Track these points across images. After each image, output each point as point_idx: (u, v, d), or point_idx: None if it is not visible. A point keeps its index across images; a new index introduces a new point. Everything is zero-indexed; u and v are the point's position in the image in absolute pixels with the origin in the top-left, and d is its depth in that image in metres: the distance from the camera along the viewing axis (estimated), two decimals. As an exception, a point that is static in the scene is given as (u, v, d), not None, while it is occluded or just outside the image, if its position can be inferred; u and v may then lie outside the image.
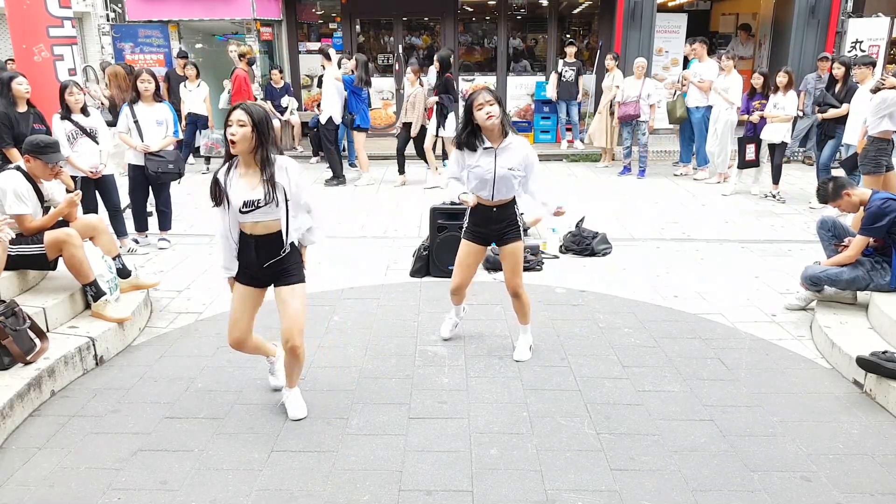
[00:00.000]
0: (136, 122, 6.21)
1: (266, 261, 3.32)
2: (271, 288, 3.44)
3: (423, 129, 9.18)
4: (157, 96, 6.40)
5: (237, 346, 3.51)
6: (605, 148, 10.65)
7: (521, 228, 4.11)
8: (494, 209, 3.97)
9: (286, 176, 3.23)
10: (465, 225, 4.12)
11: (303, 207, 3.37)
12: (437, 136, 9.10)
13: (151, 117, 6.29)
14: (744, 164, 8.55)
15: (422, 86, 9.11)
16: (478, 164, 3.86)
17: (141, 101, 6.28)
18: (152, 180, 6.34)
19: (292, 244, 3.37)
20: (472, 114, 3.78)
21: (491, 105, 3.72)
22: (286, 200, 3.26)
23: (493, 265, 5.87)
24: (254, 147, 3.14)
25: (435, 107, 8.96)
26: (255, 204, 3.19)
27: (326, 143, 9.42)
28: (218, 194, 3.24)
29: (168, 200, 6.64)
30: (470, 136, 3.84)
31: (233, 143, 3.11)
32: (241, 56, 10.17)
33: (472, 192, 3.93)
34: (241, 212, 3.22)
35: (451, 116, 8.92)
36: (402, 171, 9.40)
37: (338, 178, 9.44)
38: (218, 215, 3.35)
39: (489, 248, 4.38)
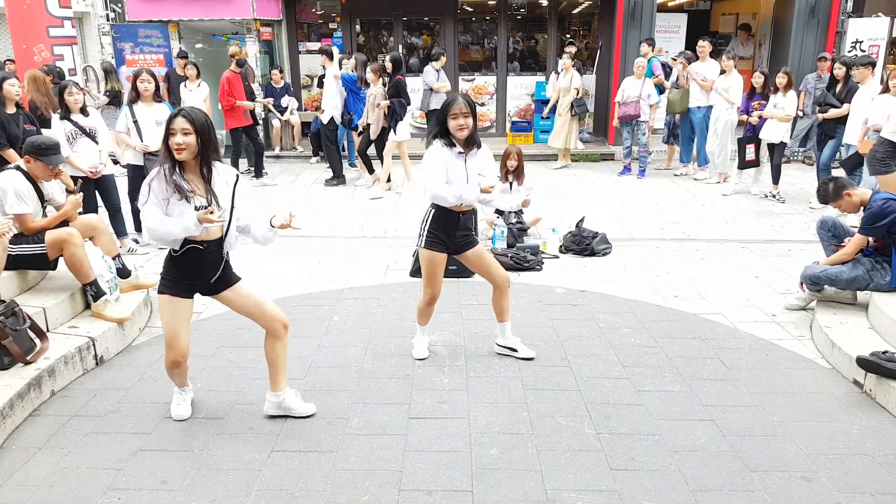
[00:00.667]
0: (135, 121, 6.21)
1: (213, 269, 3.30)
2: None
3: (384, 131, 8.88)
4: (156, 96, 6.40)
5: (179, 361, 3.37)
6: (562, 148, 10.56)
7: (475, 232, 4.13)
8: (460, 215, 3.94)
9: (228, 184, 3.22)
10: (423, 234, 3.98)
11: (245, 216, 3.34)
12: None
13: (151, 117, 6.28)
14: (744, 165, 8.55)
15: (384, 86, 8.84)
16: (451, 169, 3.85)
17: (140, 101, 6.28)
18: None
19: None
20: (446, 118, 3.76)
21: (466, 118, 3.72)
22: (231, 208, 3.24)
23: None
24: (197, 154, 3.10)
25: (387, 110, 8.69)
26: (205, 208, 3.13)
27: (327, 143, 9.42)
28: (181, 190, 3.10)
29: None
30: (443, 136, 3.84)
31: (179, 151, 3.05)
32: (231, 56, 10.11)
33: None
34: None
35: (403, 121, 8.67)
36: (370, 170, 9.25)
37: (338, 177, 9.44)
38: (157, 215, 3.13)
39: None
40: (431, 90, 10.19)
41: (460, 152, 3.84)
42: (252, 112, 9.67)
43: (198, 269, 3.29)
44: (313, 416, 3.61)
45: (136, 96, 6.27)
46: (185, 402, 3.66)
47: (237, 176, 3.33)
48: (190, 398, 3.70)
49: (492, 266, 4.06)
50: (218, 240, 3.28)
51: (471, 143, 3.83)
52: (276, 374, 3.54)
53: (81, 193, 4.85)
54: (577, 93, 10.13)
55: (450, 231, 3.96)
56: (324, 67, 9.54)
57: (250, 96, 9.73)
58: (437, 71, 10.21)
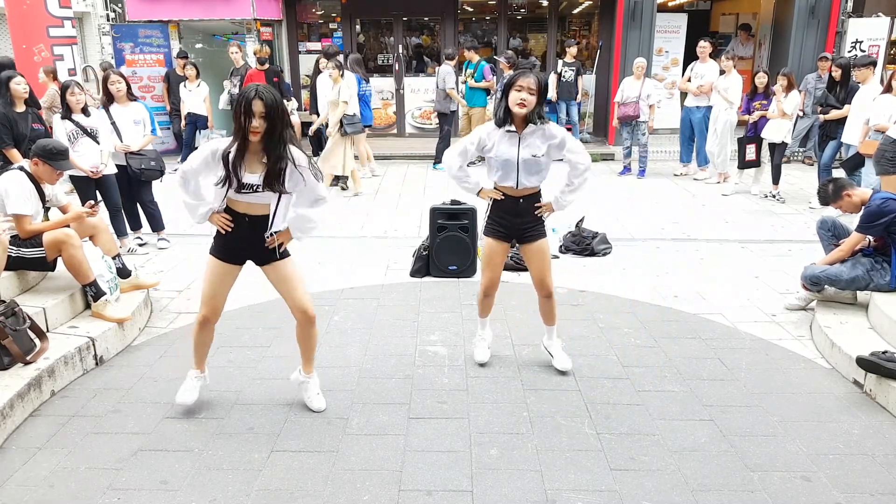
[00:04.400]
0: (113, 123, 6.20)
1: (255, 242, 3.35)
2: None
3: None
4: (130, 96, 6.40)
5: (206, 321, 3.48)
6: (341, 175, 8.73)
7: (544, 224, 3.86)
8: (521, 200, 3.72)
9: (302, 172, 3.22)
10: (486, 220, 3.85)
11: (308, 200, 3.34)
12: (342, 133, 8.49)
13: (128, 117, 6.29)
14: (744, 165, 8.55)
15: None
16: (499, 148, 3.63)
17: (115, 103, 6.28)
18: (135, 178, 6.31)
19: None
20: (510, 88, 3.53)
21: (530, 94, 3.48)
22: (280, 193, 3.24)
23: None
24: (265, 134, 3.11)
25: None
26: (252, 188, 3.21)
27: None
28: (231, 179, 3.17)
29: (153, 200, 6.57)
30: (506, 113, 3.59)
31: (255, 133, 3.08)
32: (255, 54, 10.31)
33: (497, 181, 3.72)
34: (237, 191, 3.23)
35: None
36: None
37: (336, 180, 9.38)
38: (188, 186, 3.29)
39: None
40: (446, 93, 10.15)
41: (510, 131, 3.60)
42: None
43: (239, 237, 3.35)
44: (320, 412, 3.62)
45: (109, 99, 6.26)
46: (194, 389, 3.66)
47: (300, 159, 3.24)
48: (200, 385, 3.71)
49: (538, 269, 3.85)
50: (263, 216, 3.31)
51: (528, 121, 3.57)
52: (305, 358, 3.64)
53: (97, 208, 4.80)
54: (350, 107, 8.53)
55: (511, 216, 3.76)
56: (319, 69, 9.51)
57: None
58: (454, 71, 10.18)
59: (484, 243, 3.93)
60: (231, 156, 3.15)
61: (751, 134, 8.44)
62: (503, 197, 3.75)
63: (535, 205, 3.79)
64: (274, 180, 3.17)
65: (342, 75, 8.53)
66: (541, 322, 4.15)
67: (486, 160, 3.77)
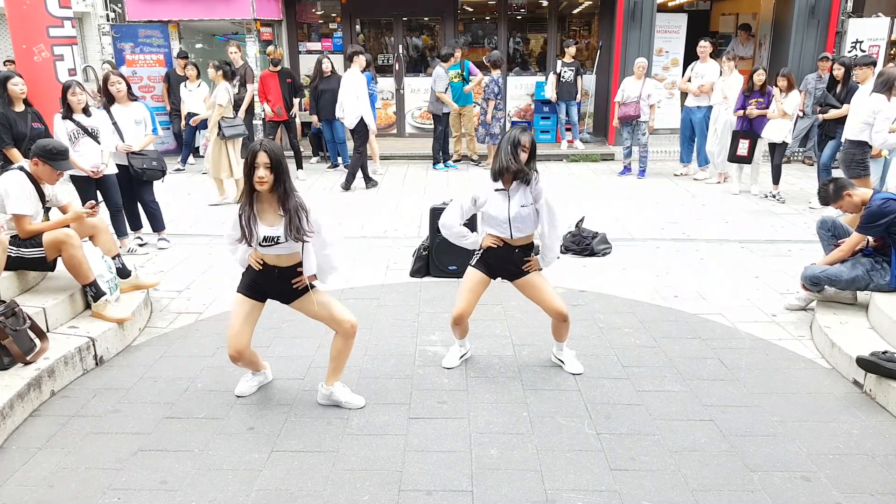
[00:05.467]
0: (114, 123, 6.20)
1: (281, 284, 3.50)
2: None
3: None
4: (130, 95, 6.41)
5: (237, 356, 3.57)
6: (217, 178, 8.23)
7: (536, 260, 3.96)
8: (516, 249, 3.90)
9: (303, 214, 3.34)
10: (477, 256, 3.98)
11: (319, 241, 3.45)
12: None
13: (129, 117, 6.29)
14: (734, 158, 8.53)
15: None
16: (491, 205, 3.81)
17: (116, 103, 6.28)
18: (136, 177, 6.31)
19: None
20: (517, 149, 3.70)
21: (523, 151, 3.71)
22: (304, 241, 3.38)
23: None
24: (273, 185, 3.27)
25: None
26: (275, 240, 3.34)
27: (358, 148, 9.06)
28: (248, 234, 3.35)
29: (154, 200, 6.57)
30: (501, 167, 3.74)
31: (262, 184, 3.25)
32: (268, 55, 10.54)
33: (493, 233, 3.89)
34: (261, 245, 3.38)
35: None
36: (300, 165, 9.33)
37: (368, 180, 9.29)
38: (234, 241, 3.52)
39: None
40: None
41: (498, 189, 3.80)
42: (288, 111, 10.00)
43: (263, 280, 3.51)
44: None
45: (110, 99, 6.26)
46: (249, 382, 3.85)
47: (311, 208, 3.41)
48: (259, 381, 3.88)
49: (546, 298, 3.91)
50: (292, 266, 3.48)
51: (516, 178, 3.75)
52: (333, 369, 3.68)
53: (96, 209, 4.80)
54: (238, 109, 8.28)
55: (504, 262, 3.93)
56: (333, 70, 9.54)
57: (290, 96, 9.96)
58: (447, 72, 10.18)
59: (468, 273, 4.00)
60: (245, 214, 3.33)
61: (747, 129, 8.40)
62: (502, 244, 3.89)
63: (524, 259, 3.92)
64: (297, 229, 3.30)
65: (226, 76, 8.42)
66: (541, 322, 4.15)
67: (480, 215, 3.93)
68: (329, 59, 9.93)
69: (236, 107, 8.89)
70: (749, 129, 8.38)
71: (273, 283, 3.51)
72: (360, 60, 8.91)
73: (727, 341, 4.51)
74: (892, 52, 11.13)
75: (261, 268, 3.46)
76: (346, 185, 9.11)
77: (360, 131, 8.90)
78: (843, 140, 7.36)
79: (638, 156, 9.87)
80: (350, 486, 3.05)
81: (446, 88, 10.15)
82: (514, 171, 3.73)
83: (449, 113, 10.46)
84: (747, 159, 8.46)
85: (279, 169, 3.25)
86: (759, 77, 8.32)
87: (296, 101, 10.23)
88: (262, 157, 3.22)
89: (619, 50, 11.25)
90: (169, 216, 6.82)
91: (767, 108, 8.25)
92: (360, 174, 9.21)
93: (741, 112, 8.44)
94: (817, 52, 10.58)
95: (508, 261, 3.92)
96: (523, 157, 3.73)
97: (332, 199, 8.70)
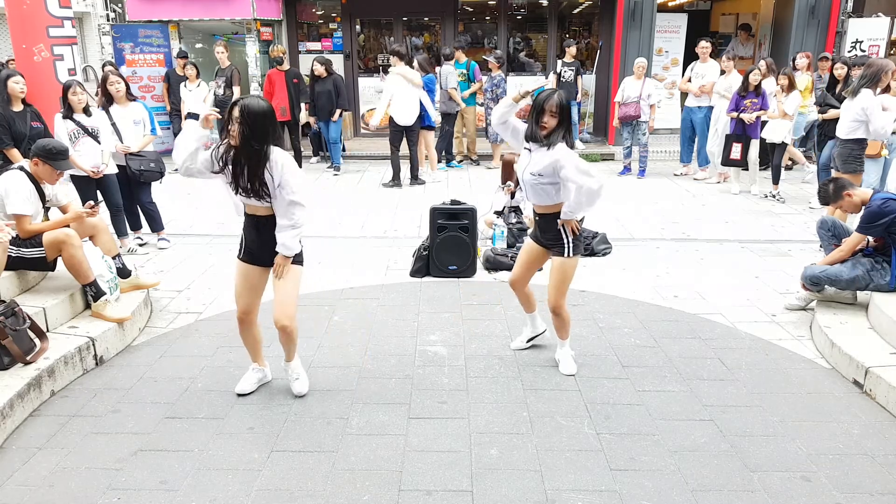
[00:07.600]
0: (113, 124, 6.19)
1: (266, 239, 3.49)
2: None
3: None
4: (129, 96, 6.40)
5: (240, 321, 3.67)
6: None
7: (567, 245, 3.86)
8: (538, 216, 3.93)
9: (275, 172, 3.34)
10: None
11: (286, 205, 3.41)
12: None
13: (128, 118, 6.29)
14: (727, 162, 8.52)
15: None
16: (521, 160, 3.85)
17: (115, 103, 6.28)
18: (134, 179, 6.31)
19: None
20: (542, 111, 3.68)
21: (552, 116, 3.66)
22: (262, 197, 3.39)
23: (493, 265, 5.88)
24: (243, 140, 3.29)
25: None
26: (246, 192, 3.39)
27: (393, 147, 9.17)
28: (221, 165, 3.38)
29: (152, 201, 6.56)
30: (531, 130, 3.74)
31: (232, 136, 3.31)
32: (270, 54, 10.65)
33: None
34: (236, 194, 3.43)
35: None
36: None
37: (395, 180, 9.29)
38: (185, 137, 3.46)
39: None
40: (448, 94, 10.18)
41: (526, 148, 3.81)
42: (292, 112, 10.05)
43: (252, 239, 3.55)
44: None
45: (109, 100, 6.25)
46: (250, 380, 3.87)
47: (290, 168, 3.38)
48: (258, 378, 3.90)
49: (551, 285, 3.89)
50: (268, 216, 3.47)
51: (544, 139, 3.70)
52: (283, 349, 3.78)
53: (96, 209, 4.80)
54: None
55: (538, 229, 3.98)
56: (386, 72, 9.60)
57: (296, 96, 10.01)
58: (455, 70, 10.20)
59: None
60: (221, 151, 3.37)
61: (739, 132, 8.38)
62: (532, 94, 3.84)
63: (552, 228, 3.89)
64: (252, 183, 3.32)
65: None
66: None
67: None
68: (322, 62, 9.90)
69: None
70: (742, 132, 8.36)
71: (253, 236, 3.53)
72: (396, 62, 8.92)
73: (727, 341, 4.51)
74: (892, 52, 11.13)
75: (218, 117, 3.46)
76: (388, 184, 9.34)
77: (415, 129, 9.17)
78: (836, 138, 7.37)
79: (638, 156, 9.87)
80: (350, 486, 3.05)
81: (456, 86, 10.17)
82: (527, 136, 3.76)
83: (457, 113, 10.46)
84: (740, 163, 8.45)
85: (252, 127, 3.24)
86: (755, 77, 8.30)
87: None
88: (235, 111, 3.26)
89: (619, 50, 11.25)
90: (168, 216, 6.82)
91: (762, 108, 8.24)
92: (391, 168, 9.44)
93: (734, 114, 8.42)
94: (817, 53, 10.57)
95: (539, 227, 3.97)
96: (551, 122, 3.67)
97: (335, 198, 8.71)
